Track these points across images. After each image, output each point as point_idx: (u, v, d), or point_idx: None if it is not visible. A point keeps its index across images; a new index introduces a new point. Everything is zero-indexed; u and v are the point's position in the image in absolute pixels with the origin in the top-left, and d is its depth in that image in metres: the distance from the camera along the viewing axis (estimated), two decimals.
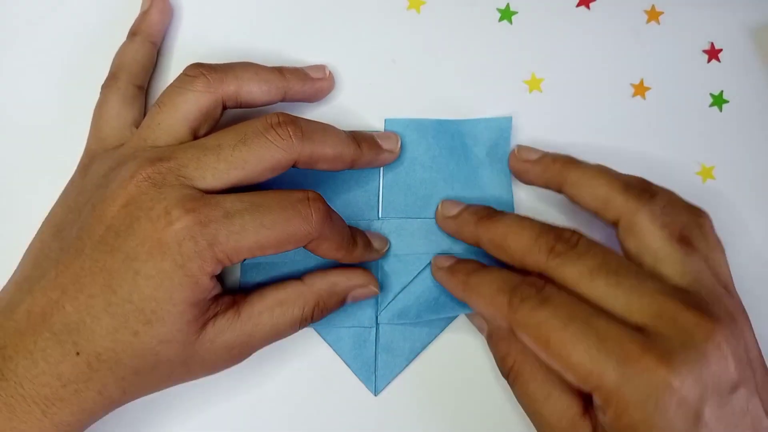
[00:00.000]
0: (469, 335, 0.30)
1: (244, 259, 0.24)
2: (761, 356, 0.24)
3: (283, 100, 0.29)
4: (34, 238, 0.26)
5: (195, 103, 0.26)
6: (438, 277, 0.29)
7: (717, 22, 0.32)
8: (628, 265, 0.24)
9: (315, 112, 0.31)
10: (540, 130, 0.31)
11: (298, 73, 0.29)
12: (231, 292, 0.26)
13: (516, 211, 0.30)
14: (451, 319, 0.30)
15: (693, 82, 0.32)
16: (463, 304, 0.29)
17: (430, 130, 0.31)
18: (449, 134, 0.31)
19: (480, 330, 0.29)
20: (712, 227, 0.26)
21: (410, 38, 0.32)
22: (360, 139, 0.28)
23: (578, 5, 0.32)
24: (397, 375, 0.29)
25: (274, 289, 0.26)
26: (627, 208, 0.25)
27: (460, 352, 0.29)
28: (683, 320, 0.22)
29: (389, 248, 0.30)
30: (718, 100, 0.32)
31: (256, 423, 0.29)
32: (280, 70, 0.28)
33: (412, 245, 0.30)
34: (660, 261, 0.24)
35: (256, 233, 0.23)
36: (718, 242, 0.26)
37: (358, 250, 0.27)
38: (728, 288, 0.25)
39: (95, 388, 0.23)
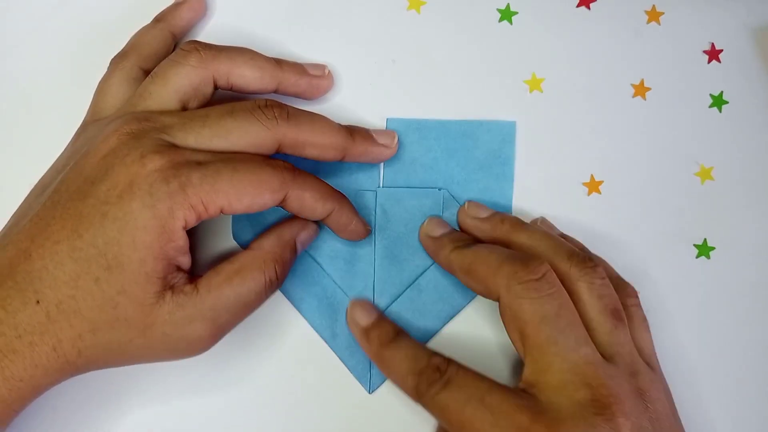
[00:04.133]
0: (464, 336, 0.30)
1: (221, 213, 0.24)
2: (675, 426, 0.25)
3: (276, 91, 0.29)
4: (22, 202, 0.27)
5: (186, 76, 0.26)
6: (352, 330, 0.29)
7: (717, 23, 0.32)
8: (574, 322, 0.24)
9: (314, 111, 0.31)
10: (540, 130, 0.32)
11: (296, 66, 0.29)
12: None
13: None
14: (449, 318, 0.30)
15: (693, 83, 0.32)
16: (458, 307, 0.30)
17: (431, 130, 0.31)
18: (451, 135, 0.31)
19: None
20: (639, 305, 0.28)
21: (410, 38, 0.32)
22: (352, 129, 0.28)
23: (578, 5, 0.32)
24: None
25: (227, 263, 0.26)
26: (569, 275, 0.26)
27: (458, 352, 0.29)
28: (582, 394, 0.23)
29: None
30: (718, 101, 0.32)
31: (250, 420, 0.29)
32: (277, 61, 0.29)
33: (412, 251, 0.30)
34: (591, 329, 0.25)
35: (230, 177, 0.23)
36: (644, 320, 0.28)
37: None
38: (650, 363, 0.26)
39: (50, 342, 0.23)
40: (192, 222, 0.23)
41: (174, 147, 0.24)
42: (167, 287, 0.24)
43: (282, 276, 0.27)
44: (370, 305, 0.29)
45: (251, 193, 0.24)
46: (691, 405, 0.29)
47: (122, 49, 0.30)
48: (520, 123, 0.31)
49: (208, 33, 0.32)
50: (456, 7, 0.32)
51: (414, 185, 0.31)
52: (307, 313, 0.30)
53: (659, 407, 0.24)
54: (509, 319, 0.25)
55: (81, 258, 0.23)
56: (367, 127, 0.30)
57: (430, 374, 0.25)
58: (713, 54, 0.32)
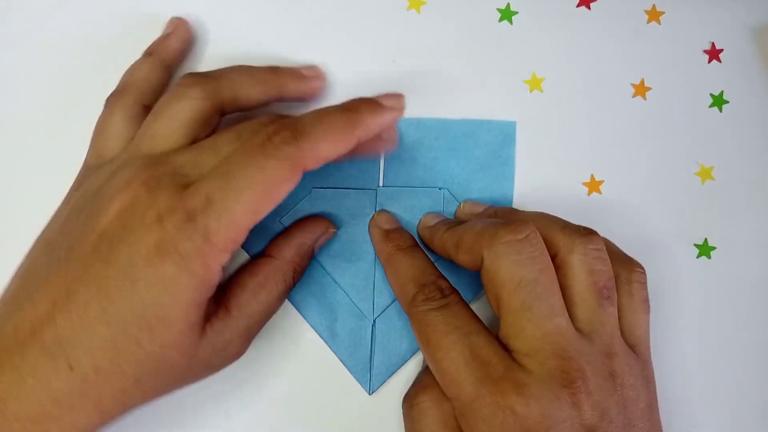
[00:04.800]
0: None
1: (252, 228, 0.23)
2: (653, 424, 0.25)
3: (279, 101, 0.29)
4: (25, 256, 0.25)
5: (192, 110, 0.25)
6: (372, 233, 0.30)
7: (718, 23, 0.32)
8: (551, 290, 0.24)
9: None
10: (540, 130, 0.31)
11: (293, 72, 0.29)
12: None
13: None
14: None
15: (693, 83, 0.32)
16: None
17: (432, 129, 0.31)
18: (451, 135, 0.31)
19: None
20: (643, 285, 0.27)
21: (410, 38, 0.32)
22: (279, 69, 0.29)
23: (579, 5, 0.32)
24: (392, 374, 0.29)
25: (250, 275, 0.26)
26: (562, 246, 0.25)
27: None
28: (552, 363, 0.23)
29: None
30: (718, 101, 0.32)
31: (250, 422, 0.29)
32: (274, 71, 0.28)
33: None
34: (574, 304, 0.25)
35: (242, 200, 0.22)
36: (645, 301, 0.27)
37: (366, 115, 0.25)
38: (637, 347, 0.26)
39: (91, 402, 0.22)
40: (227, 260, 0.23)
41: (188, 188, 0.23)
42: (206, 321, 0.24)
43: (297, 280, 0.28)
44: (395, 218, 0.30)
45: (270, 198, 0.23)
46: (690, 404, 0.29)
47: (118, 87, 0.29)
48: (520, 123, 0.31)
49: (205, 36, 0.32)
50: (456, 7, 0.32)
51: (414, 184, 0.31)
52: (306, 313, 0.30)
53: (631, 393, 0.24)
54: (487, 282, 0.25)
55: (116, 322, 0.22)
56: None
57: (431, 290, 0.25)
58: (713, 53, 0.32)
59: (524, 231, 0.24)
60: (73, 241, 0.23)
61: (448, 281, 0.26)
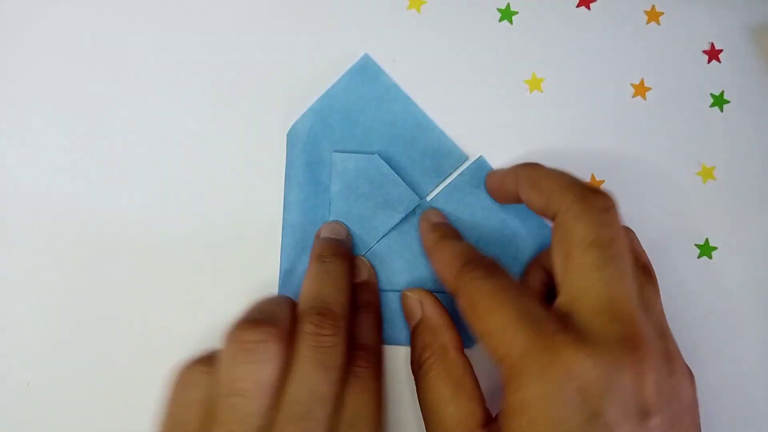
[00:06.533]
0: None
1: None
2: (694, 406, 0.23)
3: None
4: None
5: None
6: (422, 226, 0.30)
7: (717, 23, 0.32)
8: (625, 255, 0.23)
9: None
10: (540, 130, 0.31)
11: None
12: None
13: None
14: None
15: (693, 83, 0.32)
16: None
17: (316, 119, 0.31)
18: (333, 110, 0.31)
19: (410, 317, 0.28)
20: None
21: (410, 38, 0.32)
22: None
23: (578, 5, 0.32)
24: None
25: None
26: (565, 206, 0.24)
27: None
28: (616, 327, 0.21)
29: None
30: (719, 101, 0.32)
31: None
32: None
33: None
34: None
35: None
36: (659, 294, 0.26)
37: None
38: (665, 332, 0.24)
39: None
40: None
41: None
42: None
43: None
44: (443, 215, 0.30)
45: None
46: None
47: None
48: (520, 123, 0.31)
49: (205, 37, 0.32)
50: (456, 7, 0.32)
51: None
52: None
53: (683, 381, 0.23)
54: (559, 239, 0.24)
55: None
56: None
57: (478, 263, 0.25)
58: (713, 54, 0.32)
59: (609, 202, 0.23)
60: None
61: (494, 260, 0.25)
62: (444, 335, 0.26)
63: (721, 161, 0.31)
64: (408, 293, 0.29)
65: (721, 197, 0.31)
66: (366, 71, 0.31)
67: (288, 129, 0.31)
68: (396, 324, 0.30)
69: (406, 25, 0.32)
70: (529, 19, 0.32)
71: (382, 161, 0.30)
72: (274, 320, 0.24)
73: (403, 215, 0.30)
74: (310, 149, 0.30)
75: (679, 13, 0.32)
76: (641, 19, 0.32)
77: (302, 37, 0.32)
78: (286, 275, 0.30)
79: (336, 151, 0.30)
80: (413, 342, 0.27)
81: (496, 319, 0.22)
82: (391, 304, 0.30)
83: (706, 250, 0.31)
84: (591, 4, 0.32)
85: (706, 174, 0.31)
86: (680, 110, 0.32)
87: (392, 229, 0.30)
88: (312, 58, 0.31)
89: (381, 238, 0.30)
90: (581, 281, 0.22)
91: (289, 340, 0.24)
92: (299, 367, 0.23)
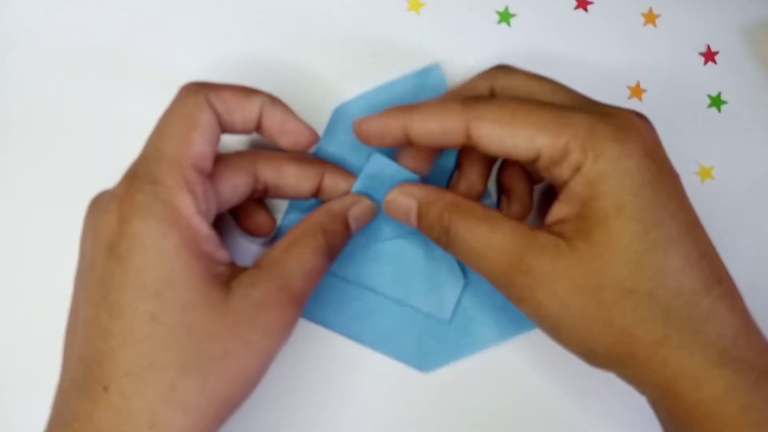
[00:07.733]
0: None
1: (208, 172, 0.23)
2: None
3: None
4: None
5: None
6: (372, 126, 0.26)
7: (713, 25, 0.33)
8: None
9: (315, 115, 0.31)
10: None
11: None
12: None
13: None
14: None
15: (690, 84, 0.32)
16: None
17: (377, 103, 0.31)
18: (390, 100, 0.31)
19: (406, 213, 0.27)
20: None
21: (410, 39, 0.32)
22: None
23: (576, 8, 0.33)
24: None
25: (280, 240, 0.25)
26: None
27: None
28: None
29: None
30: (716, 102, 0.32)
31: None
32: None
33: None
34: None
35: (166, 142, 0.22)
36: None
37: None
38: None
39: (141, 415, 0.20)
40: (191, 198, 0.22)
41: None
42: (229, 278, 0.22)
43: (339, 245, 0.26)
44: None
45: (193, 129, 0.23)
46: None
47: None
48: None
49: (205, 39, 0.32)
50: (455, 9, 0.32)
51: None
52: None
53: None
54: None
55: (120, 310, 0.20)
56: None
57: (476, 96, 0.26)
58: (709, 56, 0.32)
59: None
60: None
61: None
62: (446, 197, 0.25)
63: (719, 161, 0.31)
64: (388, 197, 0.27)
65: (720, 197, 0.31)
66: (429, 78, 0.31)
67: (334, 107, 0.31)
68: (395, 336, 0.30)
69: (406, 27, 0.32)
70: (527, 21, 0.32)
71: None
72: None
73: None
74: (351, 131, 0.29)
75: (675, 15, 0.33)
76: (638, 22, 0.33)
77: (302, 39, 0.32)
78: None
79: (378, 153, 0.28)
80: (424, 226, 0.26)
81: (546, 112, 0.23)
82: (395, 315, 0.30)
83: None
84: (588, 7, 0.33)
85: (705, 174, 0.31)
86: (677, 111, 0.32)
87: (389, 240, 0.30)
88: (312, 59, 0.31)
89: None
90: None
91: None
92: None
